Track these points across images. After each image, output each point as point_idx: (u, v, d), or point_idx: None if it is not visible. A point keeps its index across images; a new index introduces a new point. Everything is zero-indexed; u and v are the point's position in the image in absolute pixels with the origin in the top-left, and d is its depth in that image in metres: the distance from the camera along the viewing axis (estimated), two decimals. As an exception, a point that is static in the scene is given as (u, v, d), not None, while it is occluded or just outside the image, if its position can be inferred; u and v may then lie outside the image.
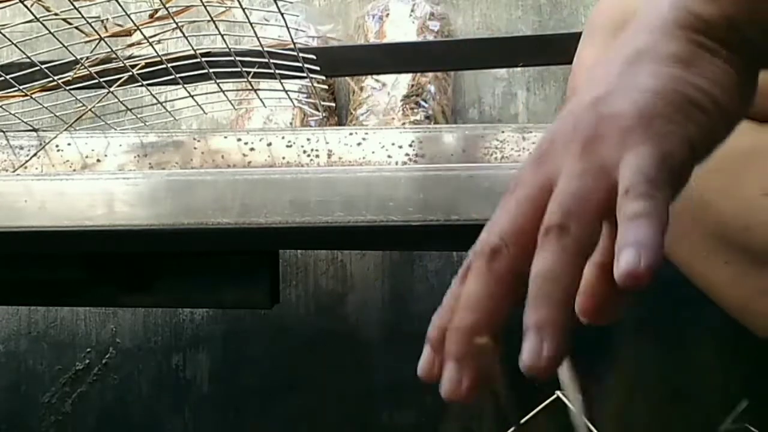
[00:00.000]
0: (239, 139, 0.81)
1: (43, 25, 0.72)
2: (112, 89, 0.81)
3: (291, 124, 1.10)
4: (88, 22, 0.74)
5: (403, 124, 1.09)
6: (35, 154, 0.81)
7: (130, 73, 0.80)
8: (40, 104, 0.84)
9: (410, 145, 0.78)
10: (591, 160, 0.37)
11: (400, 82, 1.12)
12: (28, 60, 0.78)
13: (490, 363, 0.37)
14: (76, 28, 0.79)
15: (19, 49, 0.75)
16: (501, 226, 0.38)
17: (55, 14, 0.75)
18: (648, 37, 0.40)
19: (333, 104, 1.17)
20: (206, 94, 0.88)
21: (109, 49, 0.79)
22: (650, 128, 0.37)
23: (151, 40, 0.78)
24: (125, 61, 0.80)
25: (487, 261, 0.38)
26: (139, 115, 0.94)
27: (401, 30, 1.15)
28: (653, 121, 0.37)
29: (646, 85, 0.38)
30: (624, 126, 0.37)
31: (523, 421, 0.68)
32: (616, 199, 0.36)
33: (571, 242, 0.36)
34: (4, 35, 0.74)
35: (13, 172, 0.81)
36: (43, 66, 0.79)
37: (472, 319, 0.37)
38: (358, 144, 0.79)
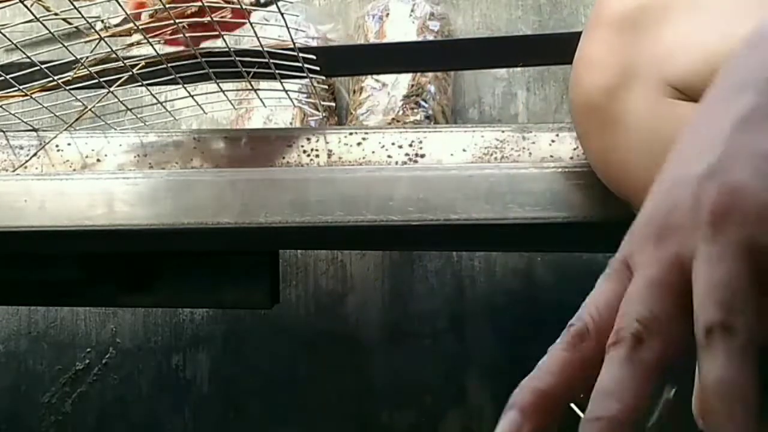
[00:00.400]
0: (239, 139, 0.81)
1: (44, 25, 0.72)
2: (112, 89, 0.81)
3: (291, 124, 1.10)
4: (88, 22, 0.74)
5: (404, 124, 1.09)
6: (35, 154, 0.81)
7: (130, 73, 0.80)
8: (40, 104, 0.84)
9: (410, 145, 0.78)
10: (729, 240, 0.34)
11: (400, 82, 1.12)
12: (28, 60, 0.78)
13: None
14: (76, 28, 0.79)
15: (20, 50, 0.75)
16: (638, 310, 0.35)
17: (55, 14, 0.74)
18: (753, 98, 0.36)
19: (333, 104, 1.17)
20: (206, 94, 0.88)
21: (109, 49, 0.79)
22: None
23: (151, 39, 0.78)
24: (125, 61, 0.80)
25: (631, 349, 0.35)
26: (139, 115, 0.94)
27: (401, 30, 1.15)
28: None
29: None
30: (759, 199, 0.34)
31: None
32: (765, 285, 0.33)
33: (740, 342, 0.33)
34: (4, 35, 0.74)
35: (13, 171, 0.81)
36: (43, 66, 0.79)
37: (617, 409, 0.34)
38: (358, 144, 0.79)
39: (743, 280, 0.34)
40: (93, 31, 0.76)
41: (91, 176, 0.74)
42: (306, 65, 0.81)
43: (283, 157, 0.80)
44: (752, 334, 0.33)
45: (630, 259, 0.37)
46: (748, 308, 0.33)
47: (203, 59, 0.81)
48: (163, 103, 0.90)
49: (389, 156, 0.78)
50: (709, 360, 0.33)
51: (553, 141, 0.78)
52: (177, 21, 0.75)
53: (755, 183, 0.34)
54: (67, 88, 0.81)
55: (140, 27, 0.76)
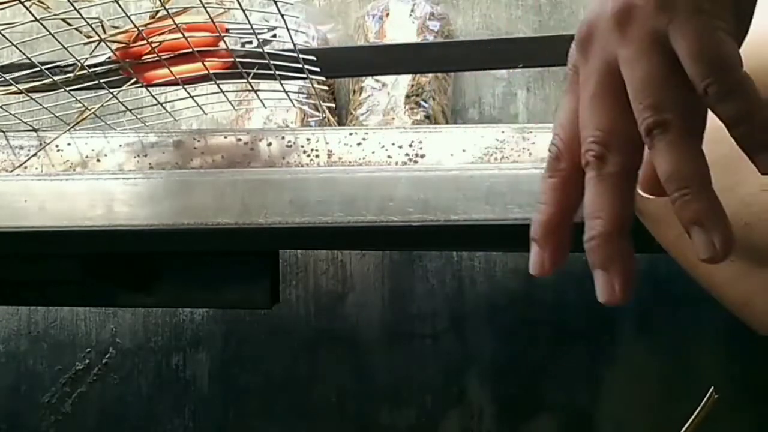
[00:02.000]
0: (239, 139, 0.81)
1: (43, 26, 0.72)
2: (116, 93, 0.81)
3: (291, 124, 1.10)
4: (88, 23, 0.74)
5: (404, 123, 1.09)
6: (34, 154, 0.81)
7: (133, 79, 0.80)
8: (40, 104, 0.84)
9: (410, 145, 0.79)
10: (636, 38, 0.36)
11: (400, 82, 1.12)
12: (28, 60, 0.78)
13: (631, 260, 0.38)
14: (76, 29, 0.79)
15: (19, 50, 0.75)
16: (590, 131, 0.38)
17: (59, 17, 0.75)
18: None
19: (333, 104, 1.17)
20: (206, 94, 0.89)
21: (110, 51, 0.79)
22: None
23: (150, 40, 0.78)
24: (125, 62, 0.80)
25: (597, 169, 0.38)
26: (139, 116, 0.94)
27: (401, 30, 1.15)
28: None
29: None
30: None
31: None
32: (680, 68, 0.35)
33: (677, 133, 0.35)
34: (4, 36, 0.74)
35: (12, 171, 0.81)
36: (43, 67, 0.79)
37: (602, 223, 0.37)
38: (358, 144, 0.79)
39: (662, 73, 0.35)
40: (93, 32, 0.76)
41: (91, 176, 0.74)
42: (306, 66, 0.81)
43: (283, 157, 0.80)
44: (685, 121, 0.35)
45: (576, 69, 0.39)
46: (673, 99, 0.35)
47: (203, 59, 0.81)
48: (163, 104, 0.90)
49: (389, 156, 0.78)
50: (657, 160, 0.36)
51: (553, 141, 0.78)
52: (176, 23, 0.75)
53: None
54: (68, 89, 0.81)
55: (140, 28, 0.76)
